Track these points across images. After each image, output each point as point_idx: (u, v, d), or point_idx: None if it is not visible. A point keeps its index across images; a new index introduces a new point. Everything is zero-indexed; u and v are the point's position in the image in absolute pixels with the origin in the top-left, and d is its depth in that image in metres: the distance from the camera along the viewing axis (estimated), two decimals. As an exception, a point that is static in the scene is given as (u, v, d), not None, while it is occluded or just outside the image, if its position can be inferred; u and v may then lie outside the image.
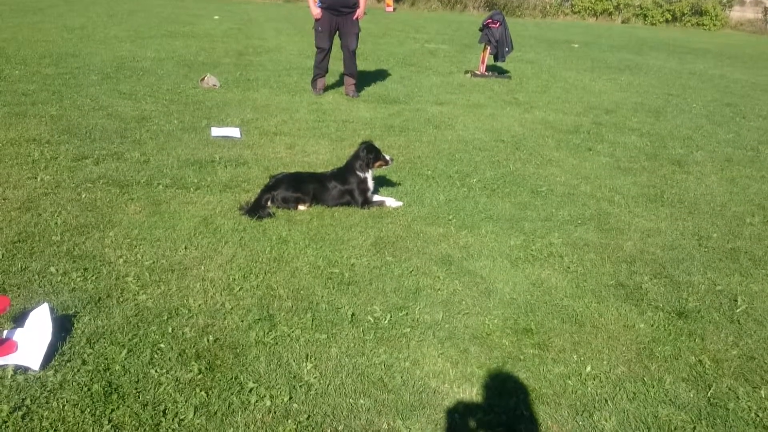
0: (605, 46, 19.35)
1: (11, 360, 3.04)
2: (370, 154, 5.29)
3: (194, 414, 2.84)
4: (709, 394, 3.27)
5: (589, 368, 3.39)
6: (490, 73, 12.26)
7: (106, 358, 3.15)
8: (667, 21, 30.15)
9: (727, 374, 3.45)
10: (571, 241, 5.00)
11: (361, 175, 5.30)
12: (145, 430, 2.73)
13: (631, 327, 3.85)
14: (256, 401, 2.95)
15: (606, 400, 3.16)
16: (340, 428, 2.85)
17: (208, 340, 3.37)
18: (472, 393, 3.15)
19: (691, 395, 3.26)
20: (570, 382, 3.28)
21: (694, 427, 3.03)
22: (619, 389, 3.26)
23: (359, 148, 5.36)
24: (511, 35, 12.22)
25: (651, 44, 20.82)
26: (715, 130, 9.21)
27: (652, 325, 3.88)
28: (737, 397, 3.27)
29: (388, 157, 5.40)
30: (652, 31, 27.37)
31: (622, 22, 30.16)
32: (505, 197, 5.86)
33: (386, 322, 3.68)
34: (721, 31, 29.57)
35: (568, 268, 4.56)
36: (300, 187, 5.22)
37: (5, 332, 3.25)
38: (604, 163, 7.21)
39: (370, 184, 5.35)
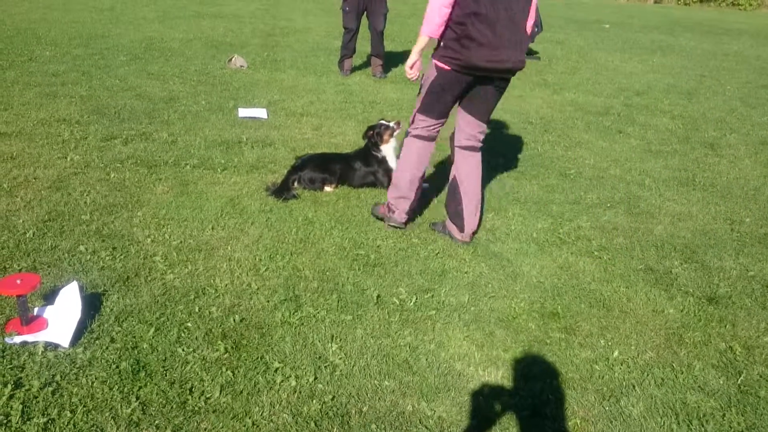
0: (637, 26, 18.98)
1: (42, 337, 3.09)
2: (370, 132, 5.23)
3: (220, 392, 2.87)
4: (739, 381, 3.21)
5: (616, 353, 3.35)
6: (519, 53, 12.07)
7: (134, 336, 3.19)
8: (701, 1, 29.50)
9: (759, 361, 3.39)
10: (599, 225, 4.94)
11: (378, 155, 5.26)
12: (172, 407, 2.76)
13: (660, 312, 3.79)
14: (282, 381, 2.97)
15: (633, 386, 3.12)
16: (364, 409, 2.85)
17: (234, 320, 3.39)
18: (498, 376, 3.13)
19: (721, 382, 3.20)
20: (597, 366, 3.24)
21: (724, 415, 2.98)
22: (647, 375, 3.21)
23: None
24: (541, 15, 12.01)
25: (684, 24, 20.38)
26: (750, 113, 9.00)
27: (681, 311, 3.82)
28: (769, 385, 3.21)
29: (391, 123, 5.20)
30: (686, 11, 26.79)
31: (655, 2, 29.55)
32: (533, 179, 5.79)
33: (412, 304, 3.67)
34: (757, 11, 28.84)
35: (597, 252, 4.50)
36: (326, 167, 5.21)
37: (36, 309, 3.30)
38: (635, 146, 7.09)
39: (393, 164, 5.28)
